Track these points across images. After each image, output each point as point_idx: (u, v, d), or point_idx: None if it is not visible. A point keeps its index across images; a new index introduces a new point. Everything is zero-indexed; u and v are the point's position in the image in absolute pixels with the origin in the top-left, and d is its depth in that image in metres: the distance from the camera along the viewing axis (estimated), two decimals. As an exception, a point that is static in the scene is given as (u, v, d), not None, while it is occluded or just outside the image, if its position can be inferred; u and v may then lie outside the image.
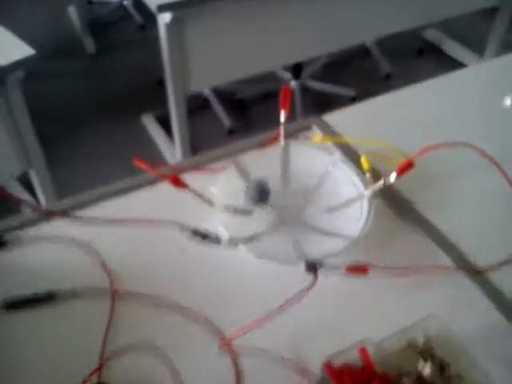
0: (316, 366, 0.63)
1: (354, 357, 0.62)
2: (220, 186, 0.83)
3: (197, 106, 2.66)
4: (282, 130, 0.90)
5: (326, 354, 0.62)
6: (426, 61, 3.04)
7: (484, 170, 0.89)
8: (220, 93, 2.71)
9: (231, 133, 2.53)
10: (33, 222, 0.82)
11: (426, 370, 0.62)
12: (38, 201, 1.84)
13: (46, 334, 0.69)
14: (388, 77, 2.89)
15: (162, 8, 1.65)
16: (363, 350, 0.62)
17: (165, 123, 2.44)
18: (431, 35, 3.18)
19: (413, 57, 3.08)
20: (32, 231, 0.81)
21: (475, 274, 0.76)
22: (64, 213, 0.83)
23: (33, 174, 1.68)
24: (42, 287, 0.73)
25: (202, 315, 0.71)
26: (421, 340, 0.65)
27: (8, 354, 0.67)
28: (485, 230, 0.83)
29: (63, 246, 0.79)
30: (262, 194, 0.81)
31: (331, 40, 2.16)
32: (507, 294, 0.73)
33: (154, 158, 2.39)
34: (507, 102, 1.06)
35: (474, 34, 3.10)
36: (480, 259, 0.78)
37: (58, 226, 0.81)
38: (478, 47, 2.91)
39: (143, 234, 0.81)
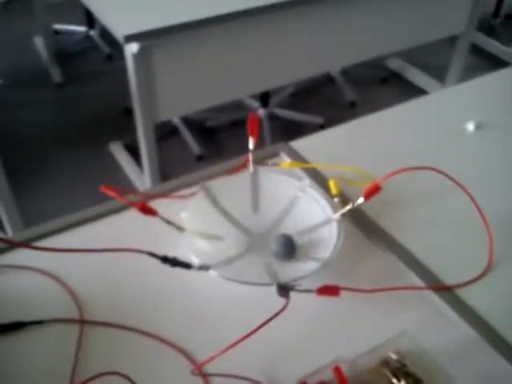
0: (290, 389, 0.63)
1: (328, 376, 0.62)
2: (190, 212, 0.83)
3: (165, 133, 2.67)
4: (250, 156, 0.91)
5: (300, 374, 0.62)
6: (389, 88, 3.12)
7: (449, 192, 0.92)
8: (189, 120, 2.72)
9: (200, 159, 2.54)
10: (-1, 252, 0.81)
11: (400, 387, 0.63)
12: (4, 230, 1.80)
13: (14, 364, 0.67)
14: (353, 104, 2.95)
15: (129, 38, 1.66)
16: (337, 369, 0.62)
17: (133, 151, 2.44)
18: (394, 64, 3.27)
19: (376, 85, 3.16)
20: (-2, 261, 0.80)
21: (444, 291, 0.77)
22: (30, 242, 0.81)
23: (-2, 204, 1.66)
24: (8, 318, 0.71)
25: (173, 341, 0.70)
26: (394, 357, 0.66)
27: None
28: (452, 249, 0.85)
29: (30, 275, 0.78)
30: (288, 249, 0.80)
31: (298, 69, 2.21)
32: (477, 309, 0.75)
33: (123, 185, 2.38)
34: (470, 127, 1.10)
35: (435, 61, 3.20)
36: (448, 277, 0.79)
37: (24, 256, 0.80)
38: (439, 74, 3.01)
39: (111, 262, 0.80)
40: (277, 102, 2.87)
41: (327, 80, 3.14)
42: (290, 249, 0.80)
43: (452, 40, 2.70)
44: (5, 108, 2.77)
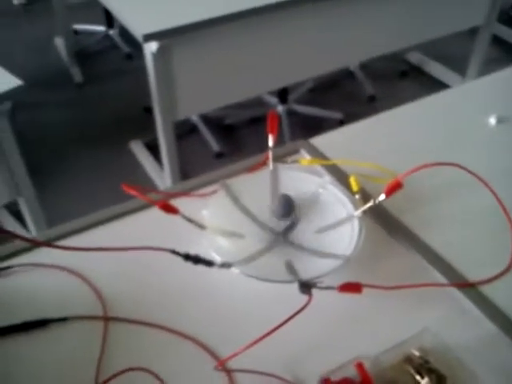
0: (313, 385, 0.64)
1: (351, 372, 0.62)
2: (211, 210, 0.83)
3: (185, 131, 2.69)
4: (270, 154, 0.91)
5: (322, 371, 0.62)
6: (409, 82, 3.10)
7: (471, 188, 0.91)
8: (207, 118, 2.73)
9: (219, 157, 2.55)
10: (24, 251, 0.82)
11: (423, 383, 0.63)
12: (27, 228, 1.83)
13: (39, 361, 0.68)
14: (372, 99, 2.93)
15: (148, 37, 1.67)
16: (360, 365, 0.62)
17: (153, 148, 2.45)
18: (413, 57, 3.24)
19: (396, 79, 3.13)
20: (23, 259, 0.81)
21: (467, 287, 0.76)
22: (54, 241, 0.83)
23: (22, 202, 1.68)
24: (34, 315, 0.73)
25: (196, 337, 0.71)
26: (417, 354, 0.66)
27: (1, 384, 0.66)
28: (475, 246, 0.84)
29: (54, 273, 0.79)
30: (288, 208, 0.84)
31: (316, 64, 2.20)
32: (500, 306, 0.74)
33: (144, 183, 2.40)
34: (492, 121, 1.09)
35: (456, 54, 3.17)
36: (471, 274, 0.79)
37: (48, 254, 0.81)
38: (459, 67, 2.97)
39: (134, 260, 0.81)
40: (295, 98, 2.86)
41: (346, 75, 3.13)
42: (288, 208, 0.84)
43: (472, 32, 2.66)
44: (26, 108, 2.80)
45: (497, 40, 3.30)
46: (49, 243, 0.66)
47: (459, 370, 0.64)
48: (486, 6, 2.52)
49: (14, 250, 0.82)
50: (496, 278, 0.78)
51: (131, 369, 0.66)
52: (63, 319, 0.73)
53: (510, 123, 1.09)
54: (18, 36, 3.50)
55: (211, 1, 1.82)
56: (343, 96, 2.99)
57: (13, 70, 1.53)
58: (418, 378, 0.64)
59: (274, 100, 2.82)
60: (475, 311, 0.74)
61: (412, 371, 0.65)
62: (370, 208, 0.81)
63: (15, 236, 0.60)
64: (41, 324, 0.72)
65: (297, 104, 2.83)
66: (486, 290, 0.77)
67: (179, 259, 0.72)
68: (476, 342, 0.70)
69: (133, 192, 0.75)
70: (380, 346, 0.67)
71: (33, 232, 1.77)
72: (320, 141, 1.04)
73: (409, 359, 0.66)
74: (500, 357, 0.69)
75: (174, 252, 0.70)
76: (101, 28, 3.48)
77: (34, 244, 0.81)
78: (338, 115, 2.74)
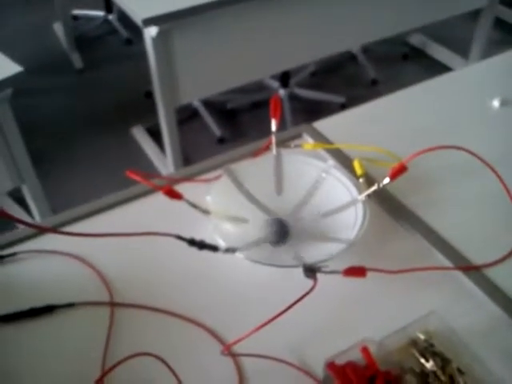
0: (319, 368, 0.64)
1: (356, 356, 0.62)
2: (215, 195, 0.83)
3: (186, 116, 2.68)
4: (273, 139, 0.91)
5: (328, 355, 0.62)
6: (411, 65, 3.08)
7: (475, 171, 0.91)
8: (209, 103, 2.72)
9: (221, 141, 2.54)
10: (29, 237, 0.82)
11: (429, 366, 0.63)
12: (31, 215, 1.84)
13: (46, 347, 0.69)
14: (375, 82, 2.92)
15: (148, 22, 1.66)
16: (365, 349, 0.63)
17: (155, 134, 2.45)
18: (415, 40, 3.22)
19: (398, 62, 3.11)
20: (28, 246, 0.81)
21: (472, 271, 0.77)
22: (59, 227, 0.83)
23: (25, 189, 1.68)
24: (39, 301, 0.73)
25: (202, 322, 0.71)
26: (422, 337, 0.66)
27: (6, 367, 0.67)
28: (479, 229, 0.84)
29: (59, 260, 0.80)
30: (281, 235, 0.80)
31: (318, 48, 2.18)
32: (505, 289, 0.74)
33: (146, 168, 2.40)
34: (495, 103, 1.08)
35: (458, 36, 3.14)
36: (476, 257, 0.79)
37: (53, 241, 0.81)
38: (462, 49, 2.95)
39: (139, 245, 0.81)
40: (297, 82, 2.85)
41: (348, 58, 3.11)
42: (283, 234, 0.80)
43: (474, 14, 2.64)
44: (27, 95, 2.79)
45: (499, 22, 3.27)
46: (54, 229, 0.66)
47: (464, 353, 0.64)
48: (489, -13, 2.49)
49: (19, 236, 0.82)
50: (500, 261, 0.79)
51: (138, 354, 0.66)
52: (69, 305, 0.73)
53: (513, 105, 1.08)
54: (17, 22, 3.47)
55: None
56: (345, 79, 2.97)
57: (12, 56, 1.52)
58: (422, 361, 0.64)
59: (275, 84, 2.81)
60: (480, 294, 0.74)
61: (417, 354, 0.65)
62: (374, 192, 0.81)
63: (21, 222, 0.60)
64: (47, 310, 0.72)
65: (299, 88, 2.82)
66: (491, 272, 0.77)
67: (184, 244, 0.72)
68: (480, 325, 0.71)
69: (137, 178, 0.75)
70: (385, 329, 0.67)
71: (37, 219, 1.77)
72: (323, 125, 1.04)
73: (414, 343, 0.66)
74: (505, 339, 0.69)
75: (179, 237, 0.70)
76: (100, 13, 3.45)
77: (40, 230, 0.81)
78: (340, 99, 2.73)
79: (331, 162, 0.91)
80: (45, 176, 1.82)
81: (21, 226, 0.77)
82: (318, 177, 0.88)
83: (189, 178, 0.92)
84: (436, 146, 0.78)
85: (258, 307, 0.73)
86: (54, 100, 2.83)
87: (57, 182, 2.31)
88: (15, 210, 2.09)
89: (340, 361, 0.62)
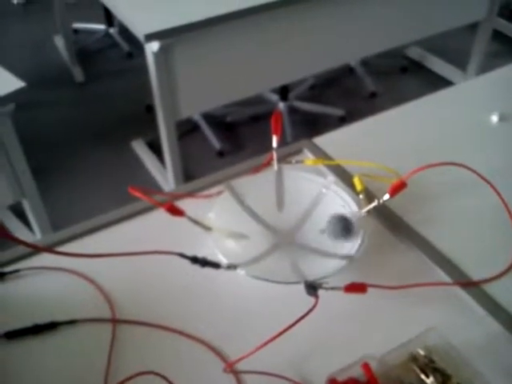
0: (320, 385, 0.65)
1: (357, 373, 0.63)
2: (216, 212, 0.84)
3: (187, 130, 2.69)
4: (274, 155, 0.92)
5: (329, 371, 0.63)
6: (409, 78, 3.10)
7: (474, 187, 0.91)
8: (209, 116, 2.74)
9: (221, 155, 2.55)
10: (31, 254, 0.83)
11: (429, 382, 0.64)
12: (32, 229, 1.84)
13: (48, 363, 0.69)
14: (373, 95, 2.94)
15: (150, 37, 1.67)
16: (366, 366, 0.63)
17: (155, 147, 2.46)
18: (414, 53, 3.24)
19: (397, 74, 3.13)
20: (30, 263, 0.82)
21: (471, 286, 0.77)
22: (60, 245, 0.84)
23: (26, 204, 1.69)
24: (42, 318, 0.73)
25: (204, 339, 0.72)
26: (422, 353, 0.67)
27: (10, 383, 0.67)
28: (478, 245, 0.84)
29: (62, 276, 0.80)
30: (346, 229, 0.81)
31: (318, 62, 2.20)
32: (504, 304, 0.75)
33: (146, 181, 2.41)
34: (494, 118, 1.09)
35: (456, 49, 3.17)
36: (475, 272, 0.79)
37: (56, 258, 0.81)
38: (460, 62, 2.97)
39: (142, 262, 0.81)
40: (296, 95, 2.87)
41: (347, 71, 3.13)
42: (348, 229, 0.81)
43: (473, 26, 2.66)
44: (28, 108, 2.81)
45: (497, 34, 3.29)
46: (52, 249, 0.66)
47: (464, 369, 0.65)
48: (487, 1, 2.51)
49: (21, 253, 0.82)
50: (499, 276, 0.79)
51: (141, 373, 0.66)
52: (72, 322, 0.73)
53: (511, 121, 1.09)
54: (18, 36, 3.50)
55: (212, 0, 1.83)
56: (344, 92, 2.99)
57: (13, 69, 1.54)
58: (423, 377, 0.65)
59: (275, 97, 2.82)
60: (479, 310, 0.75)
61: (417, 370, 0.65)
62: (374, 208, 0.82)
63: (19, 241, 0.61)
64: (50, 327, 0.73)
65: (298, 101, 2.83)
66: (490, 288, 0.77)
67: (186, 261, 0.72)
68: (480, 341, 0.71)
69: (139, 195, 0.75)
70: (385, 345, 0.67)
71: (37, 233, 1.78)
72: (323, 140, 1.05)
73: (414, 358, 0.66)
74: (504, 355, 0.70)
75: (181, 255, 0.71)
76: (101, 26, 3.47)
77: (37, 250, 0.81)
78: (339, 112, 2.74)
79: (331, 177, 0.92)
80: (46, 190, 1.83)
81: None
82: (319, 192, 0.89)
83: (190, 194, 0.92)
84: (435, 162, 0.79)
85: (260, 324, 0.73)
86: (55, 113, 2.85)
87: (57, 195, 2.31)
88: (15, 225, 2.09)
89: (341, 377, 0.63)
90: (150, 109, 2.53)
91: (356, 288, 0.71)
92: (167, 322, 0.74)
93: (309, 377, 0.67)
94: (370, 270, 0.80)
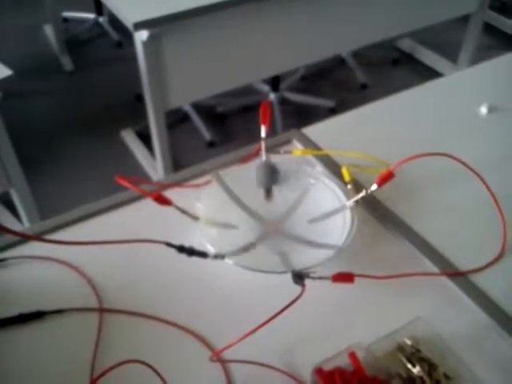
0: (307, 373, 0.65)
1: (344, 362, 0.63)
2: (204, 201, 0.84)
3: (176, 120, 2.68)
4: (263, 145, 0.91)
5: (316, 361, 0.63)
6: (400, 70, 3.10)
7: (462, 177, 0.92)
8: (199, 106, 2.73)
9: (211, 145, 2.54)
10: (18, 243, 0.82)
11: (415, 371, 0.64)
12: (20, 219, 1.83)
13: (34, 353, 0.69)
14: (364, 86, 2.94)
15: (139, 26, 1.66)
16: (353, 355, 0.63)
17: (145, 137, 2.45)
18: (405, 44, 3.24)
19: (388, 66, 3.13)
20: (17, 252, 0.81)
21: (458, 277, 0.77)
22: (47, 234, 0.83)
23: (14, 193, 1.67)
24: (29, 307, 0.73)
25: (191, 328, 0.71)
26: (408, 343, 0.67)
27: (-3, 376, 0.67)
28: (465, 235, 0.85)
29: (48, 266, 0.80)
30: (272, 175, 0.86)
31: (308, 52, 2.20)
32: (490, 294, 0.75)
33: (135, 171, 2.39)
34: (483, 110, 1.09)
35: (447, 41, 3.17)
36: (462, 263, 0.80)
37: (43, 247, 0.81)
38: (451, 54, 2.98)
39: (128, 252, 0.81)
40: (287, 86, 2.86)
41: (338, 62, 3.12)
42: (274, 175, 0.87)
43: (464, 19, 2.66)
44: (17, 97, 2.78)
45: (488, 27, 3.30)
46: (40, 237, 0.66)
47: (450, 359, 0.65)
48: (478, -7, 2.52)
49: (8, 242, 0.82)
50: (486, 267, 0.80)
51: (127, 361, 0.66)
52: (59, 311, 0.73)
53: (500, 112, 1.10)
54: (7, 24, 3.46)
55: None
56: (335, 84, 2.99)
57: (1, 58, 1.52)
58: (409, 366, 0.65)
59: (265, 88, 2.81)
60: (466, 300, 0.75)
61: (404, 360, 0.66)
62: (362, 198, 0.81)
63: (6, 230, 0.60)
64: (37, 316, 0.72)
65: (289, 92, 2.83)
66: (477, 278, 0.78)
67: (173, 250, 0.72)
68: (466, 331, 0.72)
69: (126, 184, 0.75)
70: (372, 334, 0.68)
71: (25, 222, 1.77)
72: (312, 130, 1.05)
73: (401, 348, 0.67)
74: (490, 345, 0.70)
75: (168, 244, 0.71)
76: (90, 15, 3.44)
77: (25, 238, 0.81)
78: (329, 103, 2.74)
79: (320, 168, 0.92)
80: (34, 179, 1.81)
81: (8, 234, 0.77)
82: (307, 183, 0.89)
83: (178, 184, 0.92)
84: (423, 153, 0.79)
85: (247, 313, 0.73)
86: (44, 103, 2.82)
87: (46, 185, 2.30)
88: (3, 214, 2.08)
89: (328, 366, 0.63)
90: (140, 98, 2.51)
91: (343, 278, 0.71)
92: (154, 312, 0.73)
93: (295, 366, 0.67)
94: (357, 259, 0.80)
